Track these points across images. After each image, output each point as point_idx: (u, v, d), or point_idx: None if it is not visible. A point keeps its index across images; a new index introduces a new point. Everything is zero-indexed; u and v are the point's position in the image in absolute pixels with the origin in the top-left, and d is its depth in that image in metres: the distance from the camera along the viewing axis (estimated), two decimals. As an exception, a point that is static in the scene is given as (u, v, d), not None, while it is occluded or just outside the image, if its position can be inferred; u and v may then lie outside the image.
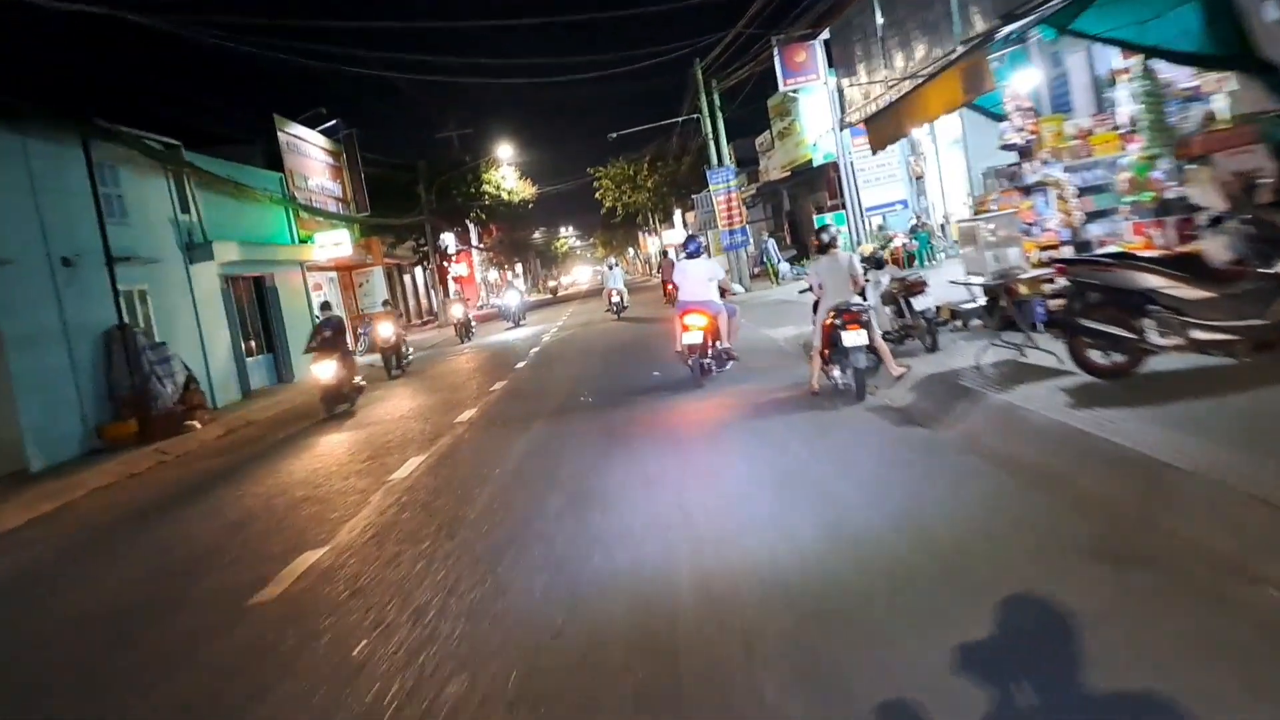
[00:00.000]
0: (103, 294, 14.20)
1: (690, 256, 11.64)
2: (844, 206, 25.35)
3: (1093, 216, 9.85)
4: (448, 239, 56.17)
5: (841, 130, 23.46)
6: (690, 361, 10.83)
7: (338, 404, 14.26)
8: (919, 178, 24.94)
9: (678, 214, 56.32)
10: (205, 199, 18.70)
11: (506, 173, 43.94)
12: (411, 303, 45.60)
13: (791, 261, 29.28)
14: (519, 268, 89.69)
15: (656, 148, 44.24)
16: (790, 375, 10.56)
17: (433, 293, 42.80)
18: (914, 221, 22.74)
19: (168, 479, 11.22)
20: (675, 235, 62.41)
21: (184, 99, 22.77)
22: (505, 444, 9.28)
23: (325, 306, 18.83)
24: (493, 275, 78.89)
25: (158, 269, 16.49)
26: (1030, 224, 9.65)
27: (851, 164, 23.68)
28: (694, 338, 10.71)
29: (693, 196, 40.78)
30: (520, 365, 16.98)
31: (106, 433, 13.94)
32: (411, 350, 20.76)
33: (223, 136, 22.88)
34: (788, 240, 35.95)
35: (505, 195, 43.37)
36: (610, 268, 30.27)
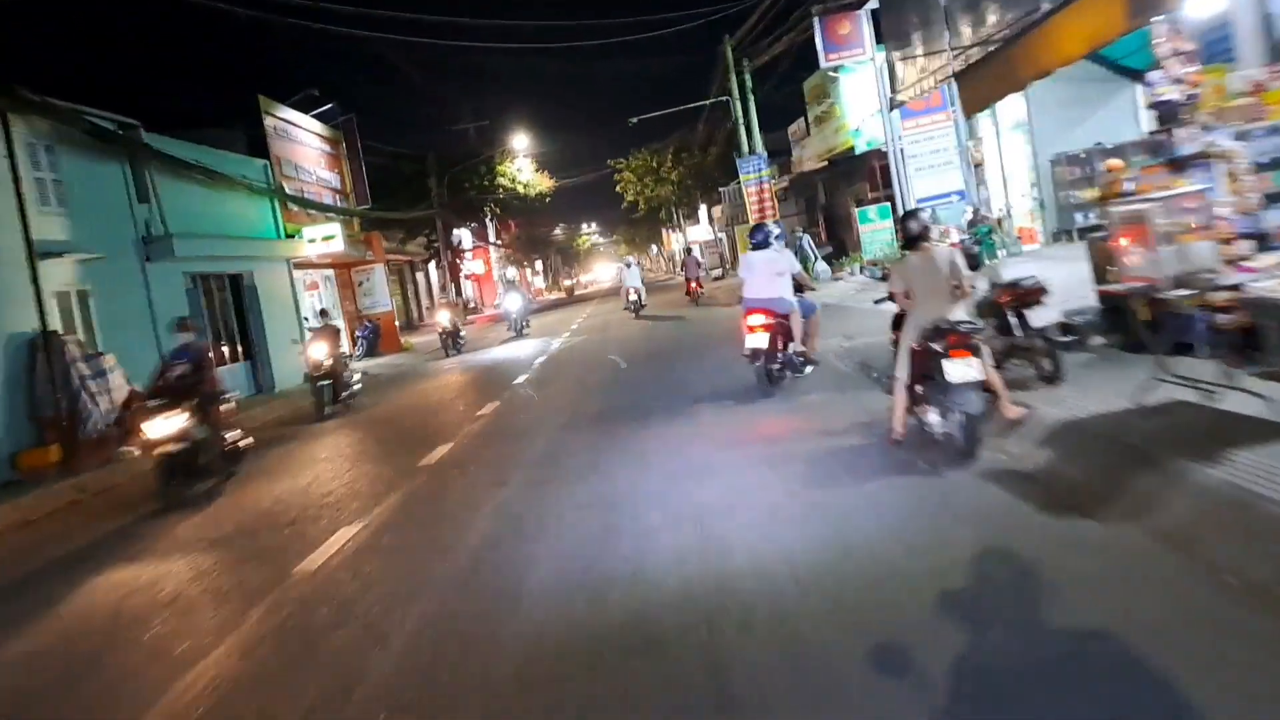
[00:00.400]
0: (26, 296, 11.98)
1: (757, 247, 9.91)
2: (890, 199, 22.78)
3: (1272, 199, 7.33)
4: (463, 235, 54.05)
5: (891, 110, 20.94)
6: (756, 367, 9.44)
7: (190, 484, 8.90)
8: (977, 165, 22.28)
9: (703, 210, 53.82)
10: (170, 188, 16.47)
11: (522, 165, 41.60)
12: (425, 301, 43.38)
13: (828, 260, 26.69)
14: (538, 265, 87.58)
15: (681, 138, 41.79)
16: (854, 407, 8.12)
17: (444, 291, 40.56)
18: (971, 214, 20.13)
19: (52, 536, 8.87)
20: (700, 232, 59.86)
21: (159, 79, 20.23)
22: (460, 529, 6.88)
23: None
24: (511, 273, 76.84)
25: (103, 266, 14.25)
26: (1194, 209, 7.10)
27: (901, 150, 21.12)
28: (758, 340, 9.29)
29: (720, 190, 38.32)
30: (513, 387, 13.53)
31: (22, 461, 11.70)
32: (358, 378, 15.93)
33: (202, 120, 20.70)
34: (823, 237, 33.34)
35: (521, 188, 41.04)
36: (628, 266, 29.22)
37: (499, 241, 67.44)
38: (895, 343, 7.10)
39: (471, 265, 61.74)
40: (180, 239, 15.88)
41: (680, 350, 15.42)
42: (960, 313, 6.36)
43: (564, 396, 11.98)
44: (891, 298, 7.05)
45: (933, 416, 6.28)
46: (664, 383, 11.70)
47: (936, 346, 6.09)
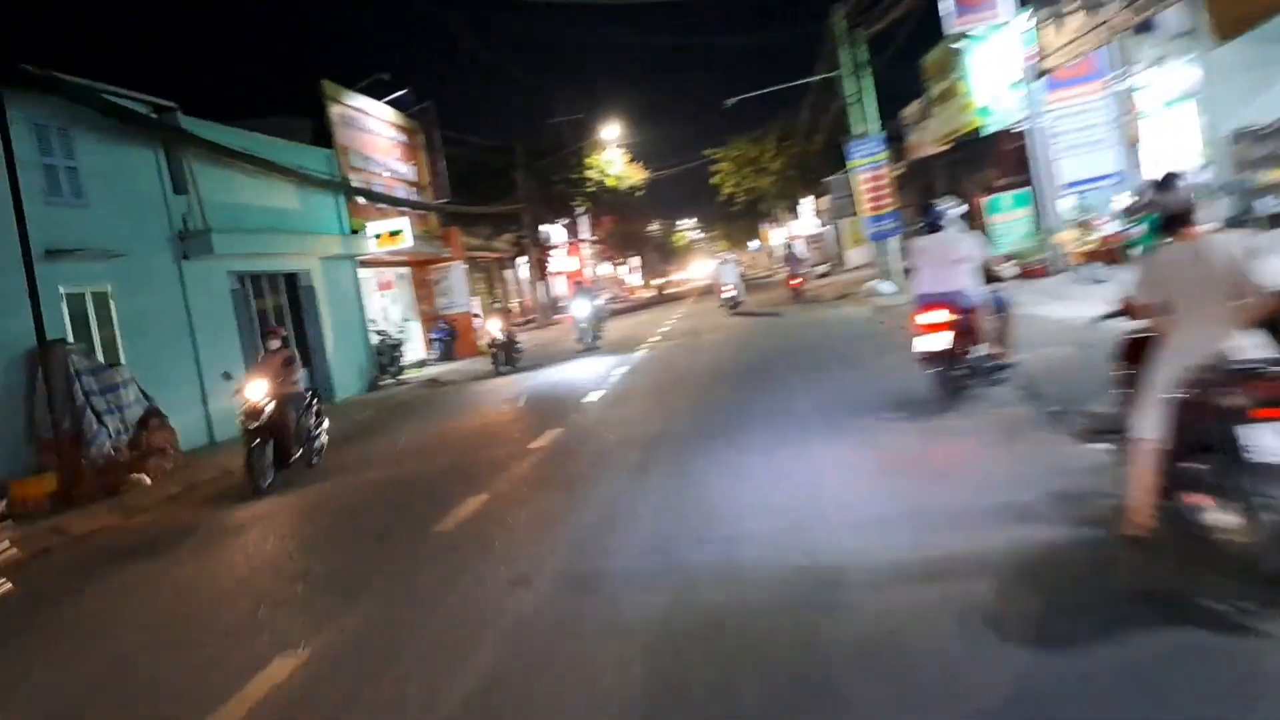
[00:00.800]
0: (26, 299, 10.42)
1: (929, 229, 8.10)
2: (1030, 183, 19.72)
3: None
4: (554, 231, 52.46)
5: (1036, 80, 17.95)
6: (931, 374, 7.87)
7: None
8: (1134, 144, 19.00)
9: (806, 203, 50.81)
10: (214, 178, 14.92)
11: (613, 156, 39.57)
12: (514, 301, 41.81)
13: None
14: (633, 261, 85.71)
15: (783, 124, 39.02)
16: (1034, 462, 5.61)
17: (533, 288, 38.90)
18: (1136, 200, 16.90)
19: None
20: (802, 226, 56.80)
21: (221, 64, 18.71)
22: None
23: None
24: (606, 270, 75.19)
25: (127, 265, 12.69)
26: None
27: (1045, 128, 18.07)
28: (932, 341, 7.68)
29: (825, 180, 35.47)
30: (567, 423, 10.37)
31: (15, 491, 10.12)
32: (323, 433, 10.80)
33: (267, 107, 19.26)
34: (941, 229, 30.16)
35: (611, 181, 39.01)
36: (724, 262, 28.66)
37: (593, 237, 65.84)
38: (1125, 379, 4.57)
39: (564, 262, 60.30)
40: (221, 234, 14.27)
41: (789, 357, 13.02)
42: (1258, 348, 3.83)
43: (641, 426, 9.72)
44: (1125, 312, 4.51)
45: (1218, 514, 3.73)
46: (767, 402, 9.34)
47: (1227, 400, 3.58)
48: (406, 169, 24.04)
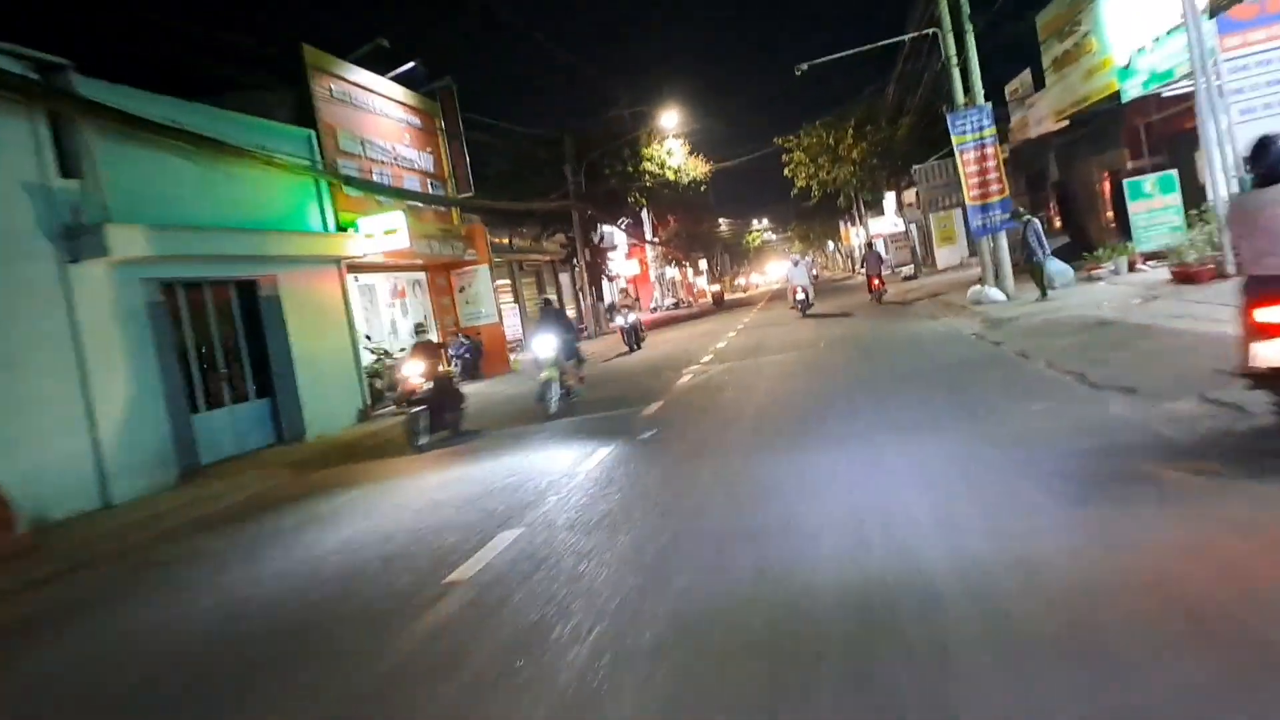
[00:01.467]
0: None
1: (1264, 181, 4.73)
2: (1176, 164, 15.19)
3: None
4: (611, 232, 48.87)
5: (1205, 20, 13.53)
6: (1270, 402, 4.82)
7: None
8: (1342, 102, 14.41)
9: (889, 199, 46.17)
10: (130, 160, 11.62)
11: (673, 147, 35.74)
12: (569, 306, 38.27)
13: (1064, 256, 19.10)
14: (701, 264, 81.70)
15: (864, 108, 34.66)
16: None
17: (581, 294, 35.36)
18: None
19: None
20: (883, 224, 52.02)
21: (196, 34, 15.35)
22: None
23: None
24: (672, 273, 71.26)
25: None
26: None
27: (1217, 85, 13.61)
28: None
29: (915, 168, 31.10)
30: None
31: None
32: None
33: (241, 80, 16.01)
34: (1055, 222, 25.57)
35: (670, 174, 35.18)
36: (795, 263, 27.94)
37: (656, 239, 62.09)
38: None
39: (624, 265, 56.69)
40: (125, 229, 10.92)
41: (881, 401, 8.99)
42: None
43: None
44: None
45: None
46: (856, 532, 5.33)
47: None
48: (418, 157, 20.63)
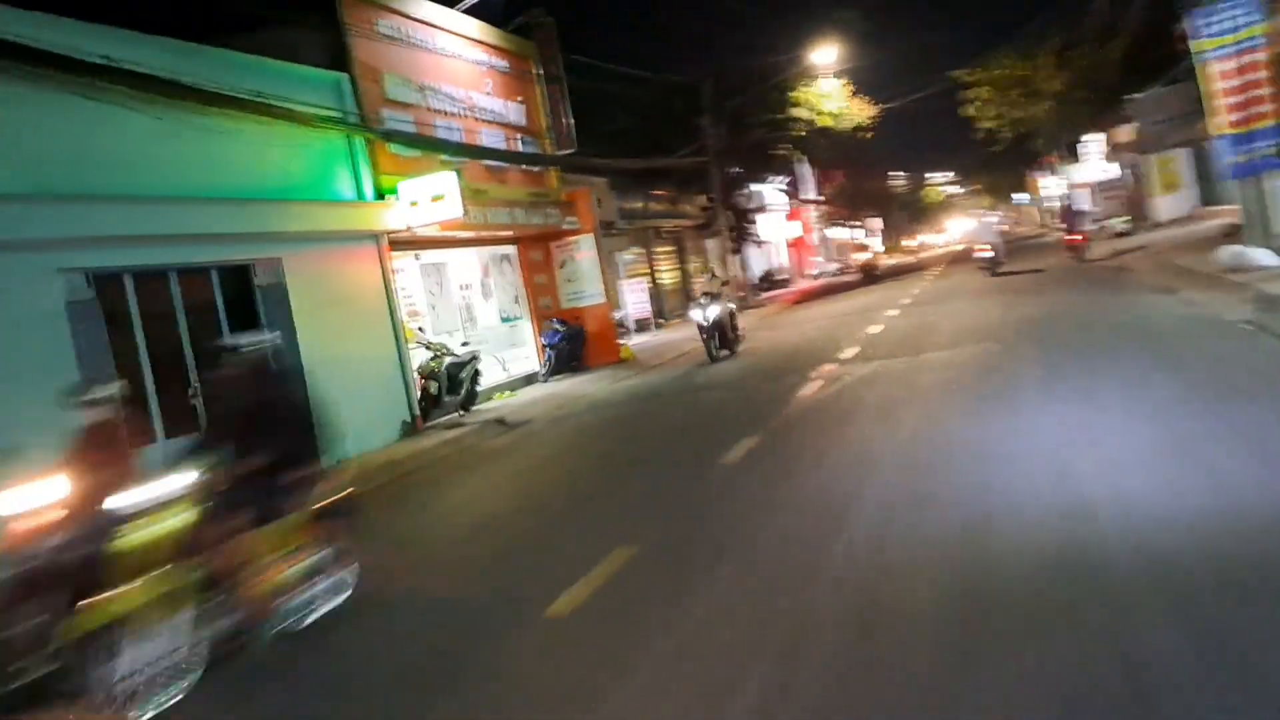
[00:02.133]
0: None
1: None
2: None
3: None
4: (766, 191, 44.26)
5: None
6: None
7: None
8: None
9: (1092, 142, 39.04)
10: (44, 110, 8.80)
11: (830, 87, 30.84)
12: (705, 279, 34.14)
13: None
14: (876, 223, 75.21)
15: (1065, 30, 28.44)
16: None
17: (724, 262, 31.32)
18: None
19: None
20: (1088, 171, 44.55)
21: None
22: None
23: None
24: (840, 234, 65.48)
25: None
26: None
27: None
28: None
29: (1132, 97, 25.04)
30: None
31: None
32: None
33: (263, 17, 13.05)
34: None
35: (825, 120, 30.36)
36: (982, 219, 28.41)
37: (819, 197, 56.76)
38: None
39: (782, 227, 51.88)
40: (20, 204, 8.07)
41: (1117, 454, 4.83)
42: None
43: None
44: None
45: None
46: None
47: None
48: (504, 107, 17.24)
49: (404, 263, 14.56)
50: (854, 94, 31.52)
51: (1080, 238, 23.02)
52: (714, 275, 17.95)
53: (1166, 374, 7.34)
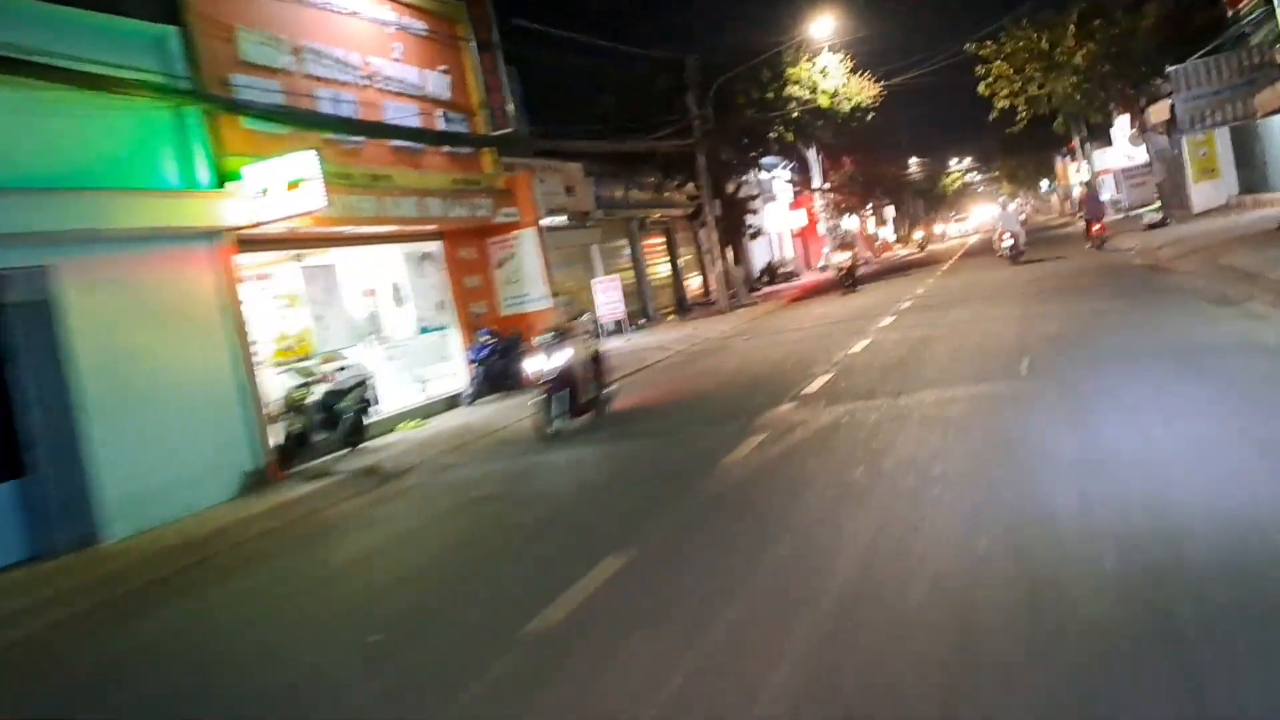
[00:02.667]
0: None
1: None
2: None
3: None
4: (765, 179, 41.31)
5: None
6: None
7: None
8: None
9: (1119, 123, 35.86)
10: None
11: (827, 64, 27.82)
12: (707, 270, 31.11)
13: None
14: (888, 212, 71.94)
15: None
16: None
17: (711, 257, 28.47)
18: None
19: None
20: (1114, 156, 41.32)
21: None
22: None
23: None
24: (852, 223, 62.22)
25: None
26: None
27: None
28: None
29: (1172, 69, 21.95)
30: None
31: None
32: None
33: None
34: None
35: (825, 99, 27.36)
36: (1003, 207, 26.28)
37: (825, 184, 53.68)
38: None
39: (790, 217, 48.92)
40: None
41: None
42: None
43: None
44: None
45: None
46: None
47: None
48: (422, 79, 14.47)
49: (280, 268, 11.85)
50: (854, 71, 28.48)
51: (1100, 227, 22.70)
52: (570, 301, 11.93)
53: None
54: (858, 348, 12.49)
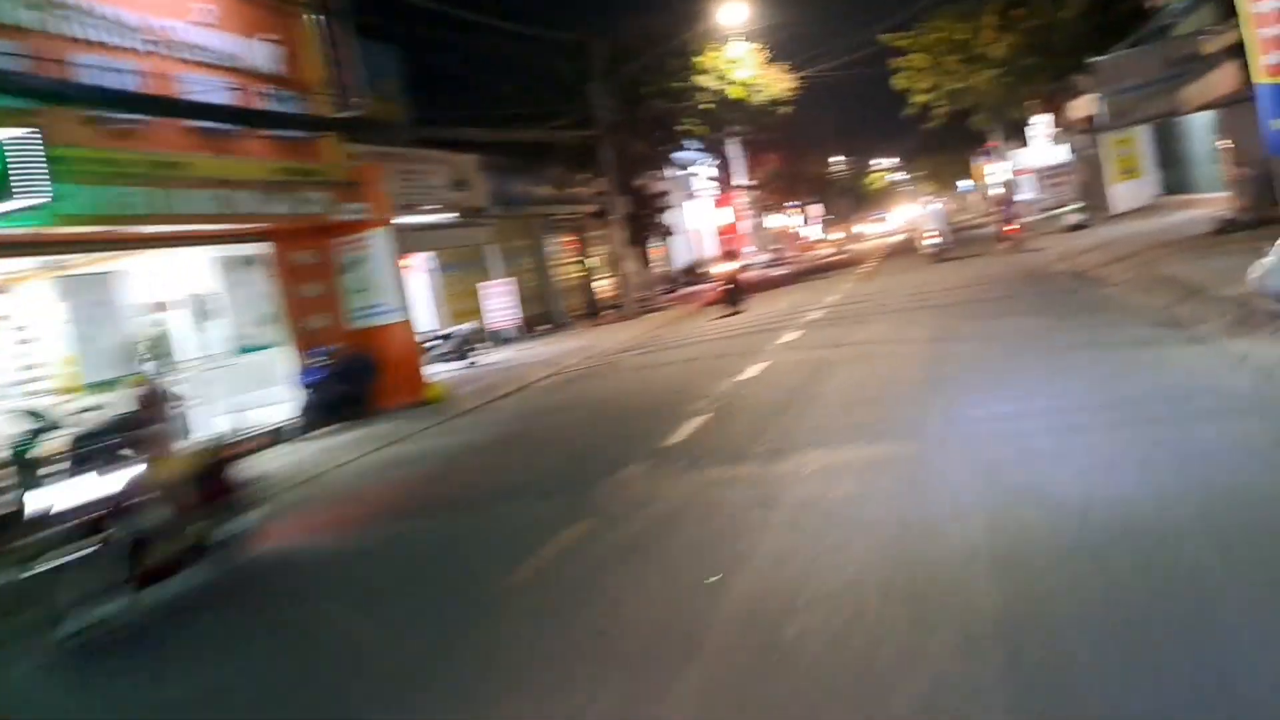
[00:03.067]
0: None
1: None
2: None
3: None
4: (688, 175, 39.46)
5: None
6: None
7: None
8: None
9: (1039, 121, 34.90)
10: None
11: (740, 54, 26.01)
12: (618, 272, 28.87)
13: None
14: (816, 210, 70.90)
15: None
16: None
17: (616, 259, 26.44)
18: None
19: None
20: (1033, 155, 40.45)
21: None
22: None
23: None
24: (778, 221, 60.81)
25: None
26: None
27: None
28: None
29: (1094, 62, 20.65)
30: None
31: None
32: None
33: None
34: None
35: (737, 91, 25.55)
36: (927, 207, 26.14)
37: (750, 182, 52.12)
38: None
39: (707, 216, 47.22)
40: None
41: None
42: None
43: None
44: None
45: None
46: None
47: None
48: (239, 47, 12.10)
49: (29, 282, 9.40)
50: (768, 62, 26.72)
51: (1017, 228, 22.77)
52: (150, 380, 6.82)
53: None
54: (750, 373, 10.56)
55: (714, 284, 22.68)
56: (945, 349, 9.61)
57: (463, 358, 18.61)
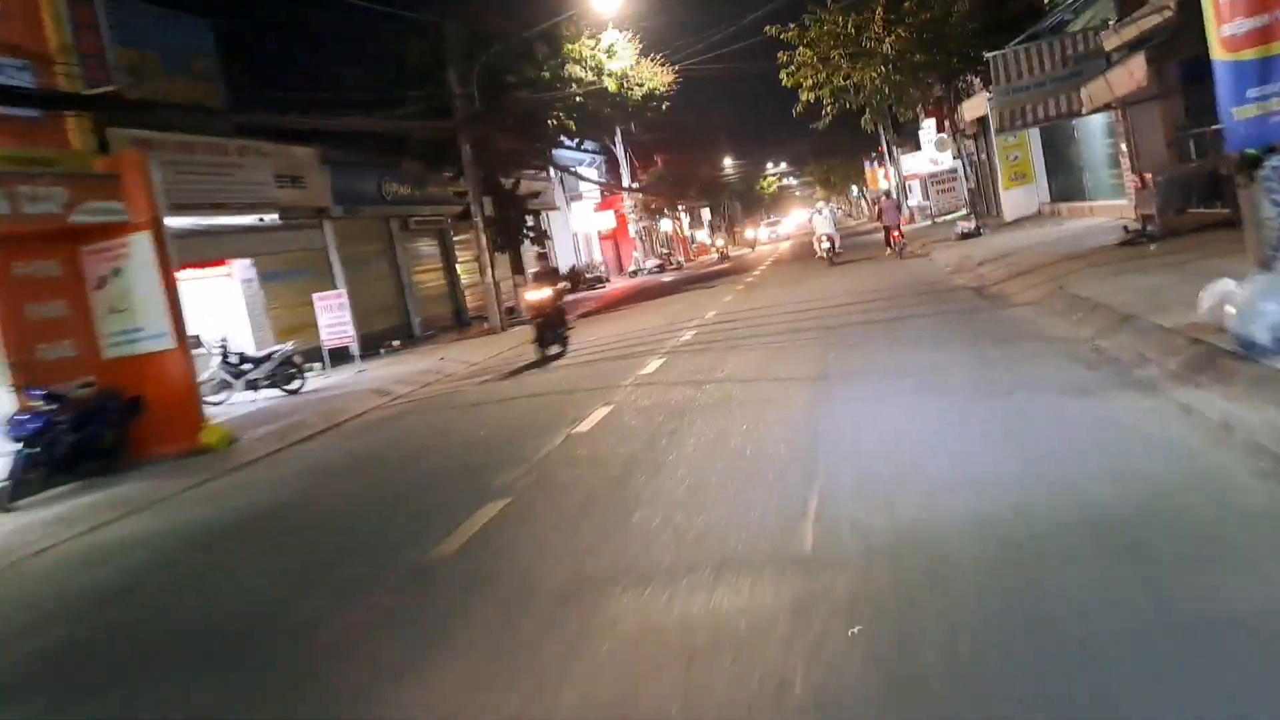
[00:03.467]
0: None
1: None
2: None
3: None
4: (564, 176, 37.13)
5: None
6: None
7: None
8: None
9: (928, 126, 34.09)
10: None
11: (615, 43, 23.89)
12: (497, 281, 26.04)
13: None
14: (704, 215, 69.56)
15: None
16: None
17: (480, 266, 23.90)
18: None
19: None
20: (921, 161, 39.81)
21: None
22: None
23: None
24: (666, 226, 59.02)
25: None
26: None
27: None
28: None
29: (988, 57, 19.33)
30: None
31: None
32: None
33: None
34: None
35: (611, 83, 23.38)
36: (819, 211, 25.73)
37: (635, 184, 50.19)
38: None
39: (595, 219, 45.08)
40: None
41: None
42: None
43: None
44: None
45: None
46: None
47: None
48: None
49: None
50: (645, 54, 24.68)
51: (898, 234, 23.20)
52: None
53: None
54: (592, 419, 8.36)
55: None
56: (829, 395, 7.60)
57: (284, 383, 15.86)
